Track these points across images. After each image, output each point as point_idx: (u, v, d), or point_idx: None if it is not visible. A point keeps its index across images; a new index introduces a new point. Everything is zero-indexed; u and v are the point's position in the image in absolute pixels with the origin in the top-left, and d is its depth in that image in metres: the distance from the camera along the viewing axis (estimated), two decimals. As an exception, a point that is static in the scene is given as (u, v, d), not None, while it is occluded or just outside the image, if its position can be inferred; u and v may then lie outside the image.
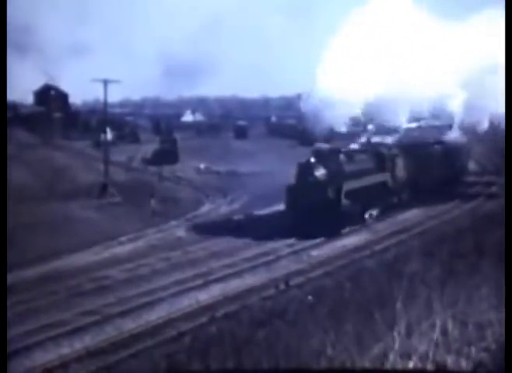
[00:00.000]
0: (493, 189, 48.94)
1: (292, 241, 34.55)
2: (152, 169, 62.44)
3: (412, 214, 42.34)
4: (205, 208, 48.06)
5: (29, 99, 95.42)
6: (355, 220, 38.27)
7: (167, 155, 69.05)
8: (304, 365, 13.93)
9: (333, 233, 35.53)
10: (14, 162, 47.42)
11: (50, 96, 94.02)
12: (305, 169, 37.37)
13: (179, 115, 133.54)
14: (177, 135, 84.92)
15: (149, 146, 73.62)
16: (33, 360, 19.60)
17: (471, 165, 65.71)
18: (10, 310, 21.75)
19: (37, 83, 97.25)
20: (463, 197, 47.70)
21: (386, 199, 42.39)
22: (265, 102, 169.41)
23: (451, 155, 53.16)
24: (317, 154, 38.22)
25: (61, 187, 50.17)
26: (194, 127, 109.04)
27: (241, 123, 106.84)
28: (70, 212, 41.96)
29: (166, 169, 61.42)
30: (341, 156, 39.69)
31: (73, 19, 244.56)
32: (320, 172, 37.18)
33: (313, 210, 35.55)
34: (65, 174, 54.54)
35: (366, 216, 39.69)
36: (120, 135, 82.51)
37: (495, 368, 13.69)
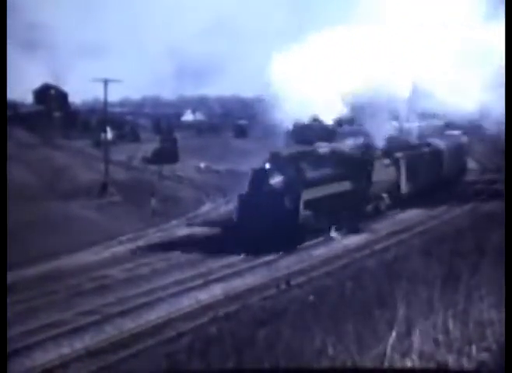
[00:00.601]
0: (492, 189, 47.03)
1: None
2: (153, 168, 62.43)
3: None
4: (206, 208, 48.04)
5: (29, 98, 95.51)
6: (320, 232, 34.61)
7: (167, 154, 69.05)
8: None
9: (289, 248, 31.91)
10: (14, 161, 47.40)
11: (49, 95, 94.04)
12: (259, 177, 33.67)
13: (179, 114, 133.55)
14: (178, 134, 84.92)
15: (149, 145, 73.60)
16: (33, 359, 19.59)
17: (472, 164, 65.71)
18: (10, 309, 21.75)
19: (44, 81, 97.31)
20: (453, 203, 45.03)
21: (360, 208, 38.56)
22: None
23: (441, 157, 50.53)
24: (274, 159, 34.30)
25: (61, 187, 50.17)
26: (195, 127, 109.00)
27: (241, 122, 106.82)
28: (70, 211, 41.94)
29: (167, 168, 61.43)
30: (305, 161, 35.95)
31: (85, 19, 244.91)
32: (276, 180, 33.46)
33: (267, 222, 31.53)
34: (65, 173, 54.54)
35: (333, 229, 35.61)
36: (121, 134, 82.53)
37: (496, 368, 13.67)
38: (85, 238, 34.70)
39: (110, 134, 64.70)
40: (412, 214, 42.04)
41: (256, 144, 61.70)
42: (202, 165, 67.46)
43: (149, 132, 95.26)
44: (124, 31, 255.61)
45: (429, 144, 50.89)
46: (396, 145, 46.07)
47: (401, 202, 42.90)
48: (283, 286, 26.44)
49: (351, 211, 37.24)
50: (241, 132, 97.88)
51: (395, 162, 43.03)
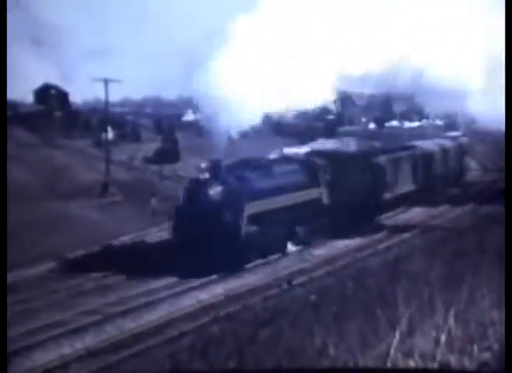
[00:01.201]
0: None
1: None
2: (154, 167, 62.39)
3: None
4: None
5: (30, 98, 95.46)
6: (270, 250, 31.04)
7: (168, 153, 68.96)
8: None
9: (230, 269, 28.22)
10: (14, 161, 47.38)
11: (50, 95, 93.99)
12: (196, 187, 29.80)
13: (180, 114, 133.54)
14: (178, 134, 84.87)
15: (150, 145, 73.55)
16: (33, 360, 19.54)
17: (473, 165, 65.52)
18: (10, 309, 21.73)
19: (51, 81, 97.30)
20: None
21: (321, 221, 34.38)
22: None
23: (425, 161, 47.38)
24: (215, 167, 30.22)
25: (62, 186, 50.13)
26: (196, 126, 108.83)
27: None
28: (70, 211, 41.89)
29: (167, 168, 61.36)
30: (253, 169, 31.68)
31: (92, 19, 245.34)
32: (215, 191, 29.39)
33: (205, 239, 27.97)
34: (66, 173, 54.52)
35: (289, 244, 32.41)
36: (121, 134, 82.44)
37: (497, 367, 13.64)
38: (86, 238, 34.63)
39: (111, 134, 64.64)
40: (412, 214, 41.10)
41: (258, 142, 61.40)
42: (203, 164, 67.32)
43: (150, 132, 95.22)
44: (130, 31, 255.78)
45: (413, 147, 48.41)
46: (376, 149, 44.49)
47: (370, 214, 39.46)
48: (285, 286, 26.42)
49: (315, 224, 33.75)
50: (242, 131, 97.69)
51: (363, 168, 39.73)
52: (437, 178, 48.90)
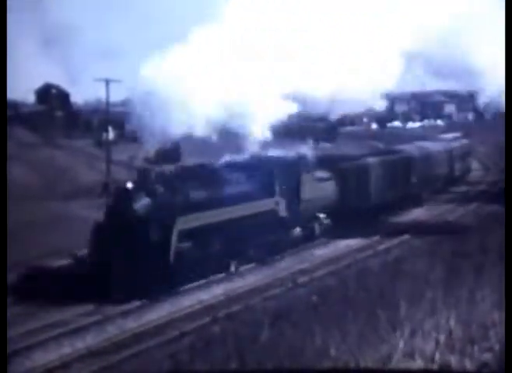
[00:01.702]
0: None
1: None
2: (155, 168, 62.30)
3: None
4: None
5: (31, 98, 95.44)
6: (210, 269, 26.96)
7: (169, 153, 68.85)
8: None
9: (156, 294, 24.42)
10: (15, 161, 47.35)
11: (51, 95, 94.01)
12: (119, 200, 25.86)
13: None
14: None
15: (152, 145, 73.46)
16: (33, 360, 19.48)
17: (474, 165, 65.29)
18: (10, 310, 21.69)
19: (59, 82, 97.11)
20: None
21: (279, 235, 30.81)
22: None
23: (407, 167, 43.71)
24: (142, 177, 26.53)
25: (62, 186, 50.09)
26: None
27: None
28: (71, 211, 41.84)
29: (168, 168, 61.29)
30: (190, 179, 27.97)
31: (101, 20, 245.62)
32: (141, 204, 25.42)
33: (127, 259, 24.12)
34: (66, 173, 54.49)
35: (232, 266, 28.28)
36: (122, 134, 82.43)
37: (498, 368, 13.63)
38: (86, 238, 34.55)
39: (111, 134, 64.61)
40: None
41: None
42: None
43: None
44: (137, 32, 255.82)
45: (394, 152, 45.45)
46: (339, 153, 41.44)
47: (343, 226, 34.83)
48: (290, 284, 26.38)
49: (270, 239, 30.22)
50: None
51: (336, 175, 35.77)
52: (418, 185, 44.82)
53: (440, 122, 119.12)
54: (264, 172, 30.66)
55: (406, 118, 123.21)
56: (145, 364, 18.58)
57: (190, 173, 28.84)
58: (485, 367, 13.90)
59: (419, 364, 13.63)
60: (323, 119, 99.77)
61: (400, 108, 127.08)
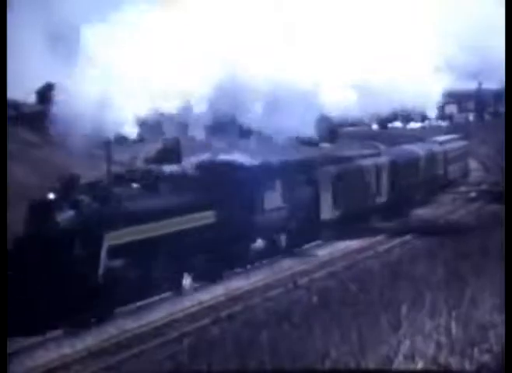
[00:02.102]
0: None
1: None
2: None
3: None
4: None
5: (32, 98, 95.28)
6: (149, 289, 24.13)
7: (170, 154, 68.85)
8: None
9: (80, 322, 21.51)
10: (15, 160, 47.30)
11: (52, 95, 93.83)
12: (39, 212, 22.59)
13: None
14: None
15: (152, 145, 73.52)
16: (33, 360, 19.51)
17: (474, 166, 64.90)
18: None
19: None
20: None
21: (235, 248, 28.07)
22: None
23: (389, 172, 40.62)
24: (67, 186, 23.25)
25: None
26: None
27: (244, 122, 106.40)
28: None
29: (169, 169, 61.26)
30: (125, 187, 25.00)
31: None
32: (65, 217, 22.35)
33: (49, 279, 21.07)
34: (67, 172, 54.32)
35: (186, 282, 25.88)
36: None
37: (498, 369, 13.67)
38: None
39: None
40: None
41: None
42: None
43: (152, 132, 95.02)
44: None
45: (378, 155, 42.70)
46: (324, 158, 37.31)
47: (321, 232, 33.81)
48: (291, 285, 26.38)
49: (221, 253, 27.33)
50: (245, 131, 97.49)
51: (302, 181, 32.89)
52: (405, 191, 42.19)
53: (440, 122, 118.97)
54: (218, 179, 27.64)
55: (407, 119, 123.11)
56: None
57: (131, 180, 25.61)
58: (484, 368, 13.94)
59: (419, 365, 13.68)
60: (322, 119, 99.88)
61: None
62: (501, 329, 14.96)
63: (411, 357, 13.95)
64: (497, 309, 16.21)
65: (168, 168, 28.08)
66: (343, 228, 34.79)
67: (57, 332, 21.24)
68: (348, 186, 36.06)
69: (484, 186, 53.67)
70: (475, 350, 14.35)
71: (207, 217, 26.83)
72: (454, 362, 13.87)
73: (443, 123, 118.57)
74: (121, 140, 27.84)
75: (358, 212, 36.74)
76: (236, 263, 28.68)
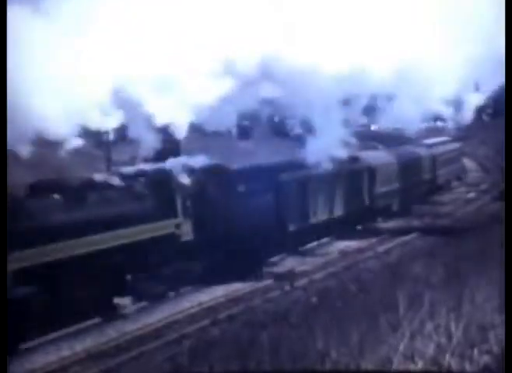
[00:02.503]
0: None
1: None
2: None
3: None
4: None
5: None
6: (74, 315, 21.13)
7: (170, 154, 68.70)
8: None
9: None
10: (14, 161, 47.21)
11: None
12: None
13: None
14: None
15: (152, 145, 73.43)
16: (32, 362, 19.47)
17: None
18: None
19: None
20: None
21: (180, 266, 24.95)
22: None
23: (359, 179, 37.28)
24: None
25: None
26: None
27: (244, 122, 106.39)
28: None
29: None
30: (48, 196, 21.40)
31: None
32: None
33: None
34: (67, 173, 54.34)
35: (124, 303, 23.11)
36: (123, 134, 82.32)
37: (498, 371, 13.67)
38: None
39: (112, 135, 64.52)
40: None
41: (259, 144, 61.28)
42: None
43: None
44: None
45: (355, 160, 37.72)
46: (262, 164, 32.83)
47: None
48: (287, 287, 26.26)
49: (171, 271, 24.78)
50: (244, 133, 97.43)
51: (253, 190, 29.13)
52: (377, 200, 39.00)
53: (439, 123, 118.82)
54: (162, 187, 25.26)
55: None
56: None
57: (46, 190, 21.97)
58: (484, 369, 13.94)
59: (419, 365, 13.68)
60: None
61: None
62: (501, 330, 14.97)
63: (410, 358, 13.96)
64: (497, 310, 16.22)
65: (99, 176, 24.96)
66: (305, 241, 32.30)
67: (57, 334, 20.94)
68: (310, 194, 32.90)
69: (483, 187, 53.55)
70: (475, 350, 14.36)
71: (144, 231, 23.56)
72: (453, 363, 13.87)
73: (441, 124, 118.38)
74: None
75: (316, 225, 33.42)
76: (184, 281, 25.48)
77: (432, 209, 44.27)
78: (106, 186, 23.84)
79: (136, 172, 26.10)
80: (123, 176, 25.13)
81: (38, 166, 54.53)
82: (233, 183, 28.08)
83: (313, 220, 32.91)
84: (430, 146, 51.21)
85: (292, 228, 31.25)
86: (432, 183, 48.70)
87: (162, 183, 25.45)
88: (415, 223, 39.41)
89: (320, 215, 33.47)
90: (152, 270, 23.93)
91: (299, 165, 32.29)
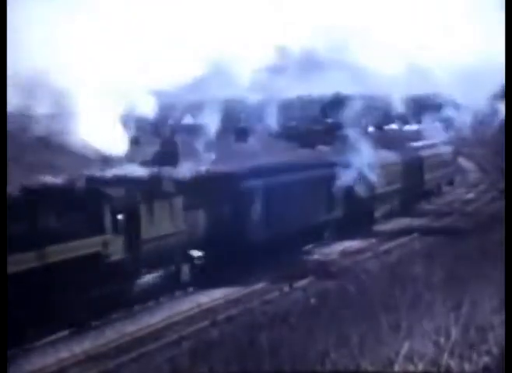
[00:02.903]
0: None
1: None
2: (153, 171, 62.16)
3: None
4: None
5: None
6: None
7: (168, 157, 68.67)
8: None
9: None
10: (14, 163, 47.20)
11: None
12: None
13: (179, 118, 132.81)
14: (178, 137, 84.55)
15: (149, 148, 73.39)
16: (32, 364, 19.44)
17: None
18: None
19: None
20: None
21: (111, 287, 22.02)
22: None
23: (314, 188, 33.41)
24: None
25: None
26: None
27: (242, 125, 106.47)
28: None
29: (167, 171, 61.12)
30: None
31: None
32: None
33: None
34: (64, 174, 54.26)
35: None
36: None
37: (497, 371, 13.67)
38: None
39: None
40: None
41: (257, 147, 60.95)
42: (203, 168, 67.01)
43: (149, 135, 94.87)
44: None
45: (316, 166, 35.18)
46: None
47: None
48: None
49: (97, 294, 21.77)
50: (242, 135, 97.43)
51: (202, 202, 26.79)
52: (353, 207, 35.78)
53: (437, 124, 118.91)
54: (86, 200, 22.16)
55: (403, 121, 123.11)
56: None
57: None
58: (483, 370, 13.94)
59: (419, 367, 13.68)
60: (320, 121, 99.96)
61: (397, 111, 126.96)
62: (500, 331, 14.97)
63: (410, 358, 13.96)
64: (496, 310, 16.23)
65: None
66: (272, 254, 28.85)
67: (56, 336, 20.83)
68: (277, 202, 30.07)
69: (482, 187, 53.46)
70: (475, 351, 14.36)
71: (62, 251, 20.65)
72: (453, 364, 13.87)
73: (440, 125, 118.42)
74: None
75: (288, 234, 30.76)
76: (119, 304, 22.84)
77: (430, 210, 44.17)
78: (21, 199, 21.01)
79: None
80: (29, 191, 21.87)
81: (40, 168, 54.72)
82: (175, 195, 25.42)
83: (276, 231, 29.71)
84: (417, 149, 48.68)
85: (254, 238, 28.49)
86: (418, 189, 45.78)
87: (88, 195, 22.33)
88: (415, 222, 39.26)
89: (282, 227, 30.15)
90: (76, 294, 20.99)
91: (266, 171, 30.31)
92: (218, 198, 27.30)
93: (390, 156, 42.23)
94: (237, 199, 28.07)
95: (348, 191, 34.86)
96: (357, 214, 36.11)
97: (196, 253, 25.66)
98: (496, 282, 17.70)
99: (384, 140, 47.57)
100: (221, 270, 26.17)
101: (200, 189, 26.49)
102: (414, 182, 44.65)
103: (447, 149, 53.32)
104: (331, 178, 33.78)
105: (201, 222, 26.19)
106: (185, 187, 25.82)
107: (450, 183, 54.56)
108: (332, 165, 34.26)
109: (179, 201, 25.33)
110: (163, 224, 24.15)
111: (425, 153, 48.58)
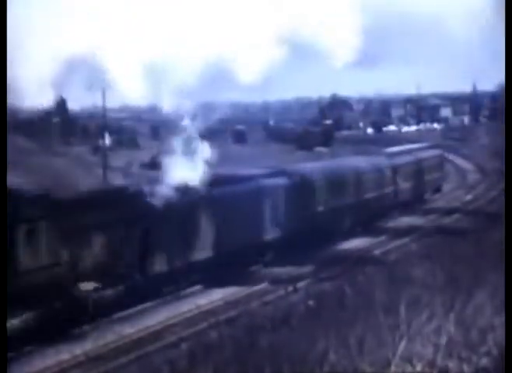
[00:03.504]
0: None
1: None
2: (151, 174, 62.13)
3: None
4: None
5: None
6: None
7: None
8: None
9: None
10: (13, 167, 47.23)
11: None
12: None
13: (177, 121, 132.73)
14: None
15: (148, 151, 73.49)
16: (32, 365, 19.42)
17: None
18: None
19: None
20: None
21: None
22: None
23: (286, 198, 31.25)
24: None
25: (60, 192, 49.90)
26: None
27: (239, 127, 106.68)
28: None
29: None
30: None
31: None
32: None
33: None
34: (64, 179, 54.37)
35: None
36: (119, 140, 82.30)
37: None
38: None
39: (108, 140, 64.59)
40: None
41: (255, 149, 61.03)
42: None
43: (148, 138, 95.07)
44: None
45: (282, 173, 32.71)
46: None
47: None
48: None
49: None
50: (240, 137, 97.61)
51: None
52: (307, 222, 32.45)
53: (436, 125, 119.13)
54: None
55: (402, 122, 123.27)
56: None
57: None
58: (483, 371, 13.94)
59: (417, 368, 13.68)
60: (317, 123, 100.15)
61: (396, 112, 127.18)
62: (500, 332, 14.96)
63: (409, 360, 13.95)
64: (496, 312, 16.22)
65: None
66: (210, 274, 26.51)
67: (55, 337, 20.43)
68: (215, 218, 27.68)
69: (481, 188, 53.46)
70: (474, 352, 14.36)
71: None
72: (452, 365, 13.86)
73: (438, 126, 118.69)
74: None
75: (234, 252, 27.87)
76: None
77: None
78: None
79: None
80: None
81: (40, 172, 54.75)
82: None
83: (213, 250, 27.17)
84: (391, 155, 44.14)
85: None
86: (390, 200, 41.46)
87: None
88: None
89: (222, 245, 27.45)
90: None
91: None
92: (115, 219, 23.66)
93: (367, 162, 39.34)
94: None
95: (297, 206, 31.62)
96: (303, 234, 31.61)
97: (89, 286, 21.59)
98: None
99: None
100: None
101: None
102: (386, 192, 40.80)
103: (431, 153, 50.69)
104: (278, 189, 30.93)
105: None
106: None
107: (437, 190, 51.13)
108: (283, 173, 31.94)
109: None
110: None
111: (399, 159, 43.99)
